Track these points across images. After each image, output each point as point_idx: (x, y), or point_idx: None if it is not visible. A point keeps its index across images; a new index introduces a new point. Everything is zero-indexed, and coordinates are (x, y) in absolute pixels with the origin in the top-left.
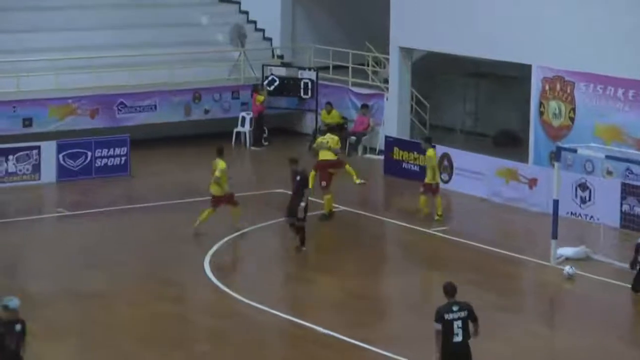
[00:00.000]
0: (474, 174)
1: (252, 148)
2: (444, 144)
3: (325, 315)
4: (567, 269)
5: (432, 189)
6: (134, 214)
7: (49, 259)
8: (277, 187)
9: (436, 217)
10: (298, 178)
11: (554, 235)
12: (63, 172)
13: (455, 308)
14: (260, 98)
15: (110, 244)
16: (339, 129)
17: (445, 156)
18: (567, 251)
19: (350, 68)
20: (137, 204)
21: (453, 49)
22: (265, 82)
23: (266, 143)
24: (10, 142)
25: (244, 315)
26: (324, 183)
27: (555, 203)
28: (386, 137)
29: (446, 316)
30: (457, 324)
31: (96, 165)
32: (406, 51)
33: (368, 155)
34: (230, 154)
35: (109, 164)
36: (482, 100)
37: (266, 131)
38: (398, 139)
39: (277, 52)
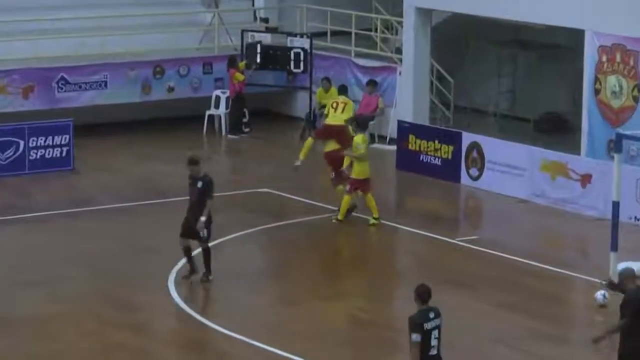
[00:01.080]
0: (511, 169)
1: (229, 136)
2: (473, 130)
3: (320, 348)
4: (600, 295)
5: (363, 186)
6: (80, 220)
7: None
8: (260, 186)
9: (372, 221)
10: (199, 185)
11: (614, 247)
12: None
13: (432, 315)
14: (240, 77)
15: (51, 257)
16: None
17: (475, 146)
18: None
19: (353, 34)
20: (83, 207)
21: (484, 10)
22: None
23: (247, 130)
24: None
25: (217, 348)
26: (333, 174)
27: (615, 205)
28: (399, 122)
29: (426, 326)
30: (434, 334)
31: (30, 157)
32: (424, 12)
33: (377, 145)
34: (201, 144)
35: (47, 156)
36: (521, 75)
37: (247, 115)
38: (414, 124)
39: (261, 13)
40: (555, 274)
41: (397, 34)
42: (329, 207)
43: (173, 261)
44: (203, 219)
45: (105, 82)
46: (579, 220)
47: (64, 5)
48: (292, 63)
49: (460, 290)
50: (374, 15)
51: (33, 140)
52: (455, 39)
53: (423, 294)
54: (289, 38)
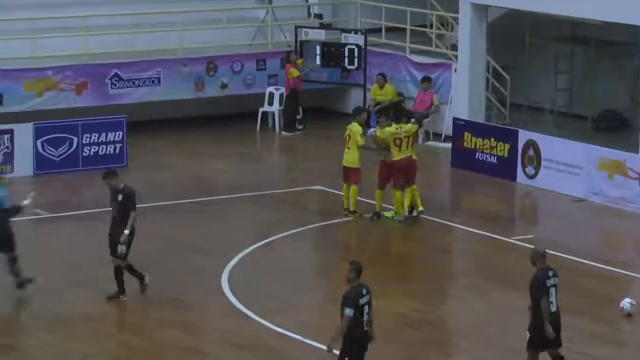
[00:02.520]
0: (568, 167)
1: (283, 133)
2: (529, 128)
3: (373, 347)
4: (626, 302)
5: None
6: None
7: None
8: (313, 183)
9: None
10: (120, 198)
11: None
12: (42, 162)
13: (364, 291)
14: (295, 72)
15: (101, 255)
16: (394, 108)
17: (531, 144)
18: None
19: (408, 30)
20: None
21: (541, 6)
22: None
23: (301, 127)
24: None
25: (271, 347)
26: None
27: None
28: (454, 119)
29: (360, 301)
30: (365, 309)
31: (84, 154)
32: (480, 8)
33: (431, 143)
34: (254, 141)
35: (99, 152)
36: (578, 72)
37: (300, 111)
38: (470, 122)
39: (314, 9)
40: (611, 274)
41: (452, 30)
42: (382, 204)
43: (225, 259)
44: (127, 232)
45: (159, 78)
46: (637, 220)
47: (118, 1)
48: (346, 60)
49: (515, 290)
50: (429, 12)
51: (86, 137)
52: (511, 35)
53: (355, 271)
54: (343, 34)
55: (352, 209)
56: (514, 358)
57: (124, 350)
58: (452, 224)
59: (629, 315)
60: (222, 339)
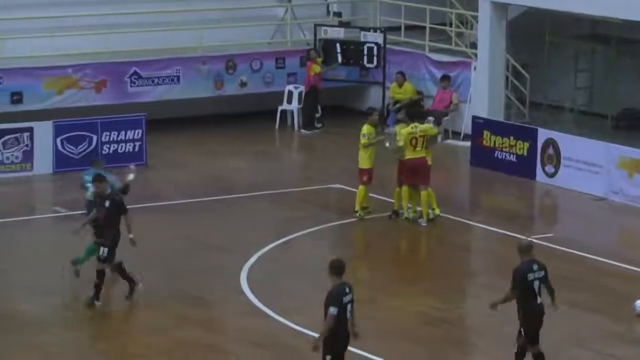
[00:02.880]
0: (588, 166)
1: (302, 131)
2: (549, 126)
3: (392, 346)
4: (639, 303)
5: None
6: (151, 215)
7: (42, 271)
8: (332, 181)
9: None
10: (107, 204)
11: None
12: (61, 160)
13: (347, 290)
14: (316, 68)
15: (121, 252)
16: (413, 107)
17: (550, 142)
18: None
19: (427, 28)
20: (154, 202)
21: (561, 4)
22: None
23: (319, 125)
24: None
25: (290, 345)
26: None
27: None
28: (474, 118)
29: (344, 299)
30: (348, 308)
31: (103, 152)
32: (500, 7)
33: (450, 141)
34: (273, 139)
35: (119, 150)
36: (598, 70)
37: (319, 110)
38: (489, 120)
39: (334, 8)
40: (632, 273)
41: (472, 28)
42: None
43: (244, 258)
44: (131, 235)
45: (178, 76)
46: None
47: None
48: (365, 58)
49: None
50: (448, 10)
51: (106, 135)
52: (531, 33)
53: (339, 269)
54: (362, 33)
55: (355, 208)
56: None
57: (143, 348)
58: (471, 222)
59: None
60: (241, 337)
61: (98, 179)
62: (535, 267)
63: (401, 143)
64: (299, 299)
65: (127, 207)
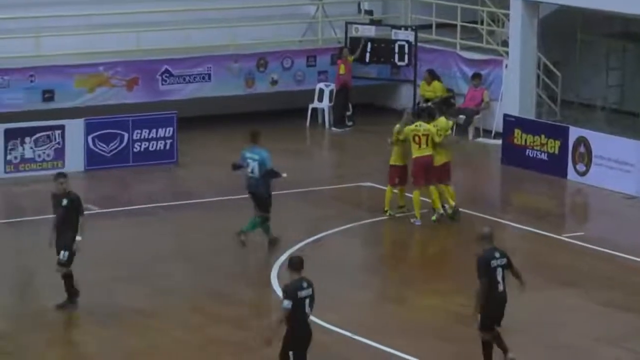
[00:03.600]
0: (620, 164)
1: (333, 129)
2: (580, 124)
3: (423, 344)
4: None
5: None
6: (182, 213)
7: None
8: (363, 179)
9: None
10: (64, 202)
11: None
12: (93, 158)
13: (305, 285)
14: (350, 59)
15: (152, 250)
16: (443, 105)
17: (582, 141)
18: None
19: (458, 27)
20: (186, 200)
21: (593, 2)
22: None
23: (350, 123)
24: (27, 120)
25: (322, 343)
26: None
27: None
28: (505, 116)
29: (299, 294)
30: (307, 303)
31: (134, 150)
32: (532, 5)
33: (481, 140)
34: (304, 137)
35: (150, 148)
36: (630, 69)
37: (350, 108)
38: (520, 118)
39: (365, 6)
40: None
41: (503, 26)
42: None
43: (275, 255)
44: (79, 238)
45: (209, 74)
46: None
47: None
48: (396, 56)
49: (567, 288)
50: (480, 8)
51: (137, 133)
52: (562, 31)
53: (297, 264)
54: (394, 31)
55: (385, 207)
56: (566, 355)
57: (174, 345)
58: (502, 220)
59: None
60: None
61: (64, 176)
62: (497, 254)
63: (402, 137)
64: (330, 297)
65: (164, 204)
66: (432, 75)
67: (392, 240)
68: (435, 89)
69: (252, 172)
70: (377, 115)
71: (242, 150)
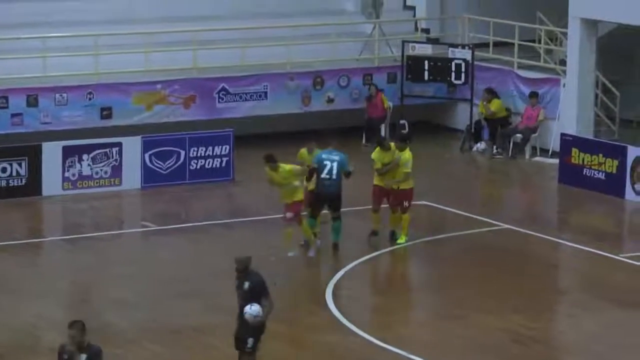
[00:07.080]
0: None
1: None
2: (639, 144)
3: None
4: None
5: None
6: (238, 231)
7: (130, 285)
8: (419, 198)
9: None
10: None
11: None
12: (149, 175)
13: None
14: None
15: (208, 267)
16: (500, 124)
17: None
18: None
19: (516, 45)
20: (242, 217)
21: None
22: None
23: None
24: (84, 138)
25: None
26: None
27: None
28: (562, 135)
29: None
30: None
31: (191, 167)
32: (590, 24)
33: (538, 159)
34: (360, 155)
35: (207, 166)
36: None
37: (407, 126)
38: (578, 137)
39: (422, 24)
40: None
41: (561, 45)
42: (488, 220)
43: (331, 273)
44: None
45: (266, 92)
46: None
47: (225, 15)
48: (453, 74)
49: (625, 308)
50: (537, 26)
51: (194, 150)
52: (621, 50)
53: (241, 264)
54: (450, 49)
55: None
56: None
57: None
58: (559, 240)
59: None
60: (326, 352)
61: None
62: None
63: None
64: (384, 315)
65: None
66: (491, 93)
67: (449, 259)
68: (494, 106)
69: (328, 173)
70: (434, 134)
71: (316, 155)
